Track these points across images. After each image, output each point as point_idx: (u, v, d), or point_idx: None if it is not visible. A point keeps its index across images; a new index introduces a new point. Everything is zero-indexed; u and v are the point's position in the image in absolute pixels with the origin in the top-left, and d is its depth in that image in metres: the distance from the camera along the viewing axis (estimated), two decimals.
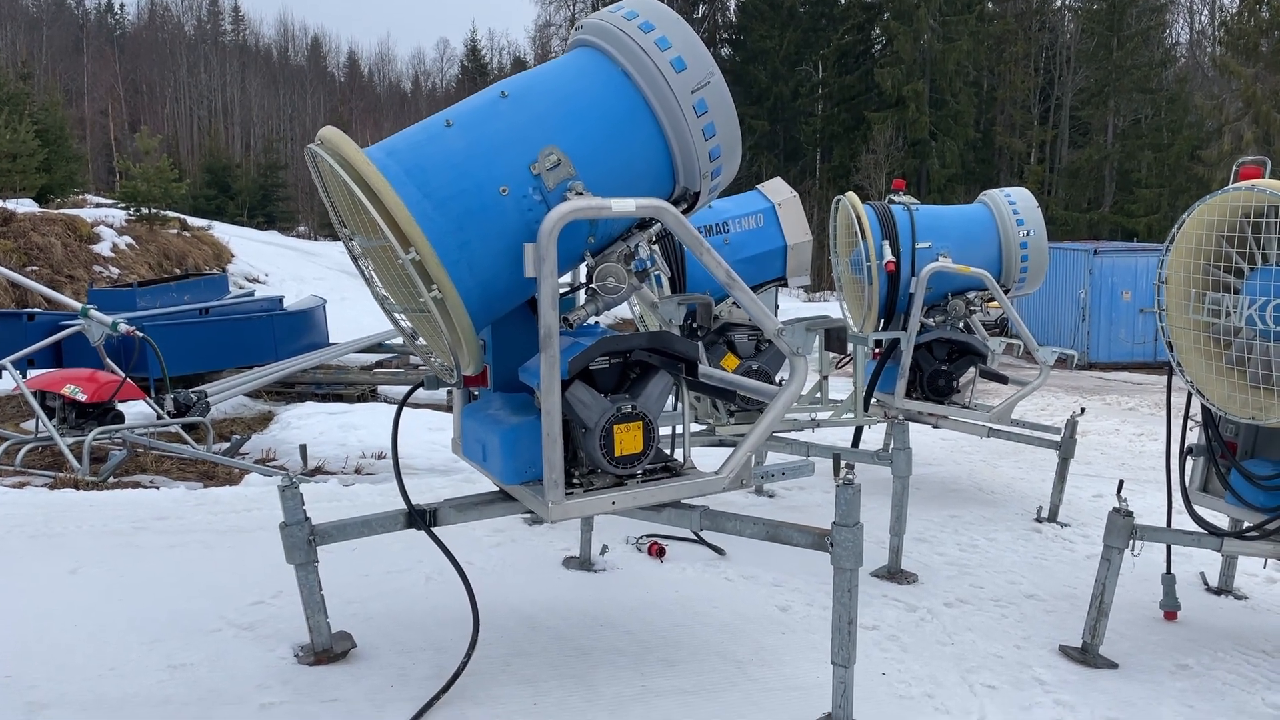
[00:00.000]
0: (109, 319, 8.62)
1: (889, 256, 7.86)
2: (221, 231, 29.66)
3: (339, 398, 12.60)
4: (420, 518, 4.14)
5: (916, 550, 6.69)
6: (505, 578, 5.45)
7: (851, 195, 8.18)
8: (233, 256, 27.59)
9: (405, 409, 4.47)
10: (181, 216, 27.93)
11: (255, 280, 26.76)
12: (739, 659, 4.55)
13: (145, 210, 24.45)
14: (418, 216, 3.52)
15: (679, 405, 5.13)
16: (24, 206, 22.77)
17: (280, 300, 18.12)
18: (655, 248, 5.49)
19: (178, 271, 22.22)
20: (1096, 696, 4.54)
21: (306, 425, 10.42)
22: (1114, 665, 4.92)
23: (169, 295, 14.41)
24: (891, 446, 5.95)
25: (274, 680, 3.90)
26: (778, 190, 6.71)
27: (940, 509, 7.88)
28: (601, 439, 3.89)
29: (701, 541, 6.12)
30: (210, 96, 74.31)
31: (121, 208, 24.84)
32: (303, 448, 7.91)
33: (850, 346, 7.31)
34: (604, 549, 5.84)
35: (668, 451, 4.22)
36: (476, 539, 5.89)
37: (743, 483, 4.18)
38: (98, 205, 28.12)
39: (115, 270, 21.41)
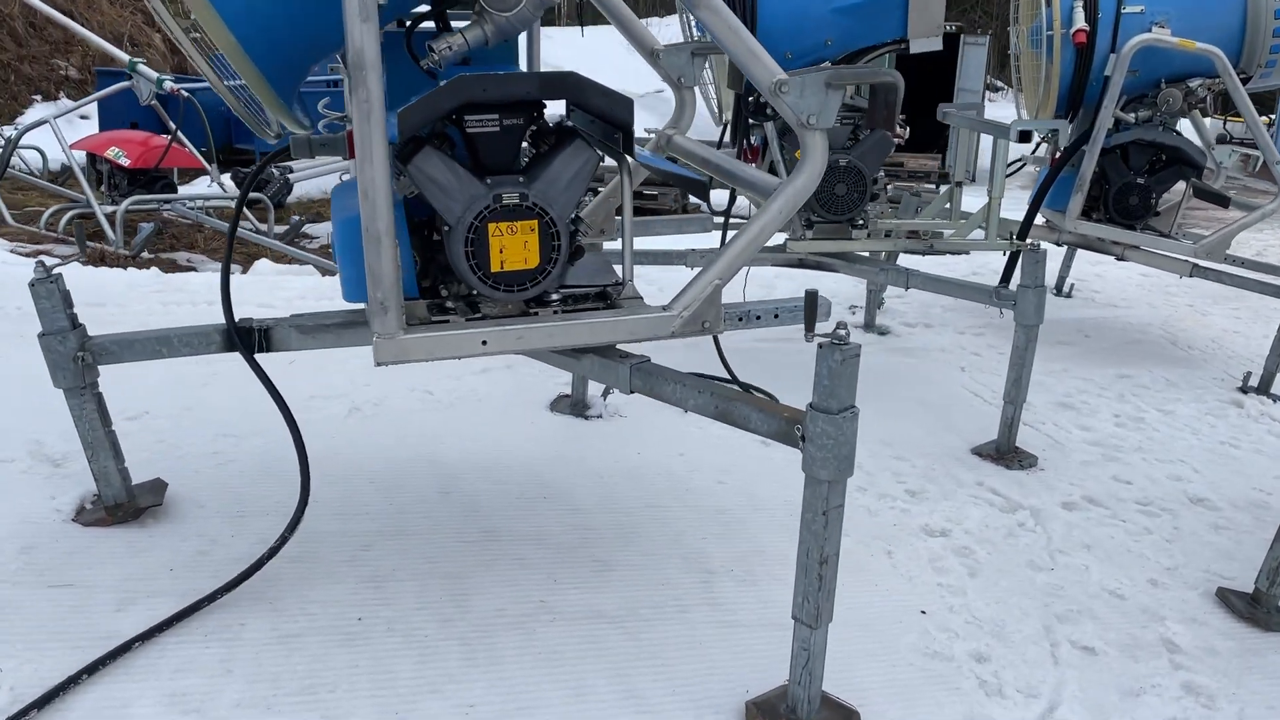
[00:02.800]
0: (154, 75, 7.71)
1: (1079, 23, 5.79)
2: None
3: None
4: (241, 337, 2.93)
5: (1053, 419, 5.04)
6: (459, 418, 4.24)
7: None
8: None
9: None
10: None
11: None
12: (711, 568, 3.21)
13: None
14: None
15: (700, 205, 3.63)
16: None
17: None
18: None
19: None
20: (1253, 684, 2.97)
21: None
22: None
23: None
24: (1017, 283, 4.24)
25: (11, 545, 2.89)
26: None
27: (1108, 365, 6.07)
28: (469, 244, 2.51)
29: (745, 387, 4.70)
30: None
31: None
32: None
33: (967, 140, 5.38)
34: (608, 390, 4.53)
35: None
36: (462, 360, 4.69)
37: (705, 325, 2.73)
38: None
39: None
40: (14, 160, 9.88)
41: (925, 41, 4.87)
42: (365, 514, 3.26)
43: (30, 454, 3.47)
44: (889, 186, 5.16)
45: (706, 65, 4.84)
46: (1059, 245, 6.58)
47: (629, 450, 4.05)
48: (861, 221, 4.92)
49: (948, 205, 5.34)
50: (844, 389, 2.30)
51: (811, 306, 2.42)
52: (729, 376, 4.65)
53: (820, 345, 2.29)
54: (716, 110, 5.14)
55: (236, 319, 3.00)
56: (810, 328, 2.41)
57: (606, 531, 3.36)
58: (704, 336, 2.81)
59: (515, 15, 2.54)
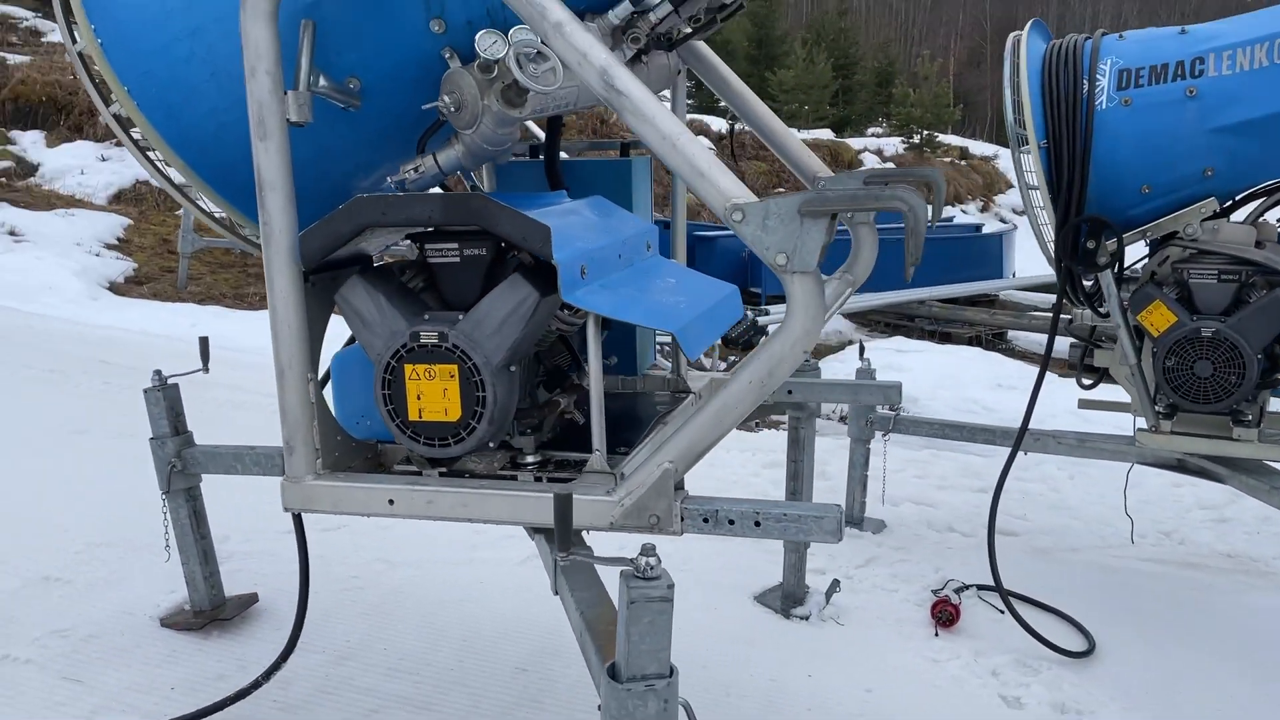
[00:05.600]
0: None
1: None
2: (1009, 163, 28.30)
3: (947, 337, 10.80)
4: None
5: None
6: None
7: None
8: (1009, 187, 26.18)
9: None
10: (964, 144, 27.17)
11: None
12: None
13: (916, 138, 24.35)
14: None
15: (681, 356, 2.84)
16: (815, 134, 24.16)
17: (977, 227, 16.80)
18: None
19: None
20: None
21: (850, 359, 9.09)
22: None
23: None
24: None
25: (84, 629, 2.98)
26: None
27: None
28: (386, 385, 2.20)
29: (1008, 603, 3.50)
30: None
31: (895, 135, 25.10)
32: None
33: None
34: (835, 587, 3.67)
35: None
36: None
37: (653, 521, 2.07)
38: (878, 135, 28.74)
39: None
40: None
41: None
42: (414, 675, 2.96)
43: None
44: None
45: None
46: None
47: (799, 670, 3.20)
48: (1250, 416, 3.47)
49: None
50: (645, 650, 1.53)
51: (563, 515, 1.67)
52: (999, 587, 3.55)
53: (621, 574, 1.56)
54: (1050, 253, 4.01)
55: None
56: (562, 545, 1.66)
57: None
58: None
59: (479, 134, 2.20)
